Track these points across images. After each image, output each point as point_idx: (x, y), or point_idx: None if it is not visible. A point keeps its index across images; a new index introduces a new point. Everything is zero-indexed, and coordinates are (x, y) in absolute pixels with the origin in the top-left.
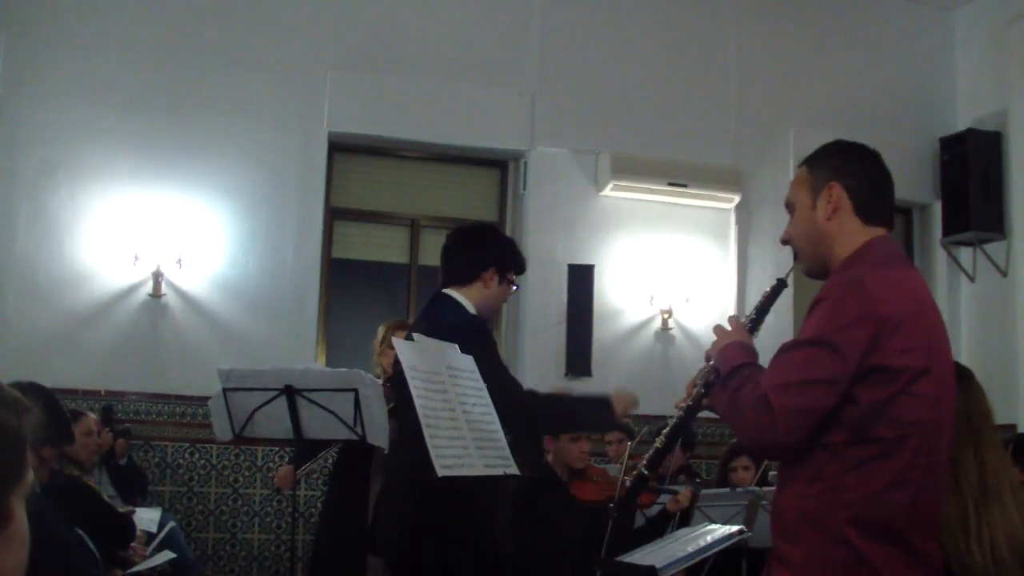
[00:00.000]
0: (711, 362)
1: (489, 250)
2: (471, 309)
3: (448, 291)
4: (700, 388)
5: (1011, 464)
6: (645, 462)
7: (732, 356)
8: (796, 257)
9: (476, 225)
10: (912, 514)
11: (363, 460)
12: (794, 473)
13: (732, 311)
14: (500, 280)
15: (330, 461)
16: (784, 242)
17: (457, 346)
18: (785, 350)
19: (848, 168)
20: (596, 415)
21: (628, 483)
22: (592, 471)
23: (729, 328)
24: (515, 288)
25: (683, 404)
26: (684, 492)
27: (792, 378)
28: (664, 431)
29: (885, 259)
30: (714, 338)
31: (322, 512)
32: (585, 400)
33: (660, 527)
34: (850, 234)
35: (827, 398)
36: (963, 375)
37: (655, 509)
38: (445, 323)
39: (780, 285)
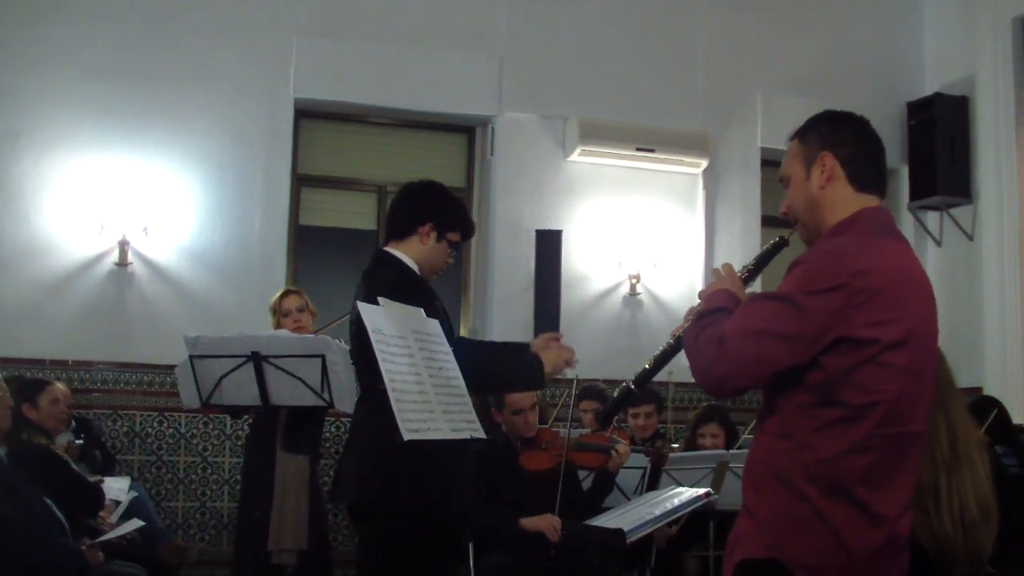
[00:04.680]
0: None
1: (428, 205)
2: (412, 265)
3: (388, 248)
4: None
5: (976, 426)
6: (633, 379)
7: (715, 299)
8: (795, 225)
9: (424, 181)
10: (866, 480)
11: (269, 427)
12: (768, 427)
13: (700, 276)
14: (438, 238)
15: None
16: (783, 215)
17: (423, 310)
18: (752, 300)
19: (838, 137)
20: (525, 376)
21: (616, 394)
22: (542, 438)
23: (724, 275)
24: (454, 251)
25: (676, 334)
26: (621, 446)
27: (751, 325)
28: (654, 355)
29: (873, 230)
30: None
31: (242, 482)
32: (515, 359)
33: (607, 485)
34: (842, 202)
35: (779, 351)
36: None
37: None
38: (380, 280)
39: (780, 243)
